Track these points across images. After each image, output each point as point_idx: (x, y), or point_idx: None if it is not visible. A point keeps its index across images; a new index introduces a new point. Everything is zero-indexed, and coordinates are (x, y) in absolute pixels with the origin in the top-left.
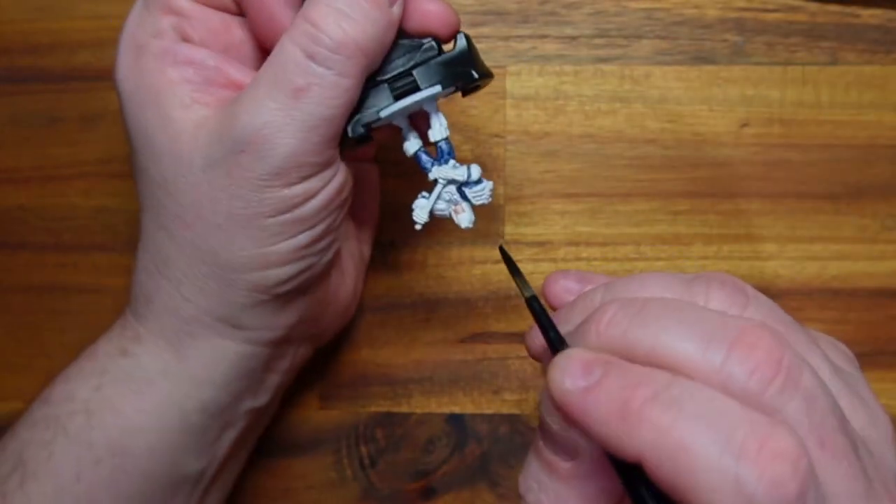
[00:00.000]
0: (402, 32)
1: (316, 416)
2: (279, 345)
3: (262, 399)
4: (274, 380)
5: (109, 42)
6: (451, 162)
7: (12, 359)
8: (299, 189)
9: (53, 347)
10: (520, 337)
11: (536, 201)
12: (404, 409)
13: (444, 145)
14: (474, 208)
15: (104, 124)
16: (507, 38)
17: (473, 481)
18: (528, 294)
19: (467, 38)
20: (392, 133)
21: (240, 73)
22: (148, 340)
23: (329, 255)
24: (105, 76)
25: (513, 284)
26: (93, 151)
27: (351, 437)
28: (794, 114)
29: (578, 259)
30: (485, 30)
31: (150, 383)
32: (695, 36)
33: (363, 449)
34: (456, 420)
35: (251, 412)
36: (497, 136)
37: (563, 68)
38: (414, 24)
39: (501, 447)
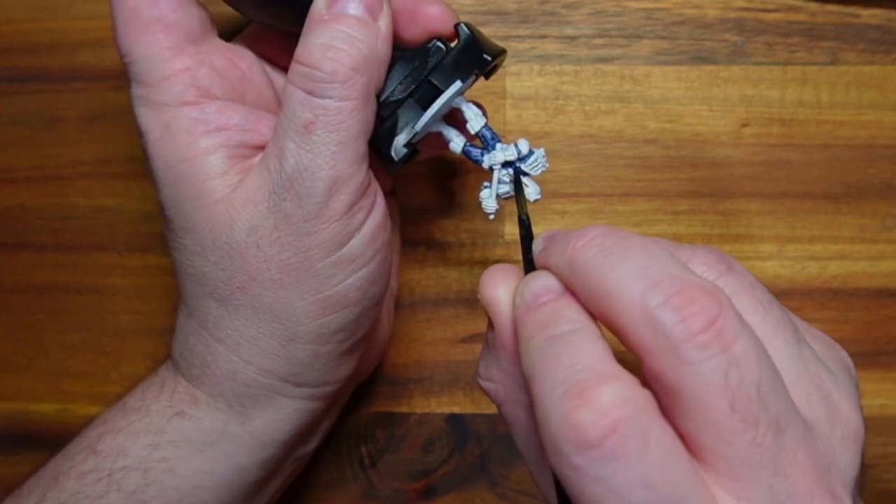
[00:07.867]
0: (404, 45)
1: None
2: (335, 395)
3: (311, 445)
4: (324, 426)
5: (109, 42)
6: (499, 145)
7: (12, 359)
8: (343, 224)
9: (53, 347)
10: None
11: (536, 201)
12: (404, 409)
13: (486, 132)
14: (534, 178)
15: (104, 124)
16: (507, 38)
17: (473, 481)
18: (523, 215)
19: (468, 25)
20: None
21: (271, 130)
22: (208, 404)
23: (379, 296)
24: (105, 76)
25: None
26: (93, 151)
27: (351, 437)
28: (794, 114)
29: None
30: (485, 30)
31: (212, 445)
32: (695, 36)
33: (363, 449)
34: (456, 420)
35: (300, 457)
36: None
37: (563, 68)
38: (419, 30)
39: (501, 447)
